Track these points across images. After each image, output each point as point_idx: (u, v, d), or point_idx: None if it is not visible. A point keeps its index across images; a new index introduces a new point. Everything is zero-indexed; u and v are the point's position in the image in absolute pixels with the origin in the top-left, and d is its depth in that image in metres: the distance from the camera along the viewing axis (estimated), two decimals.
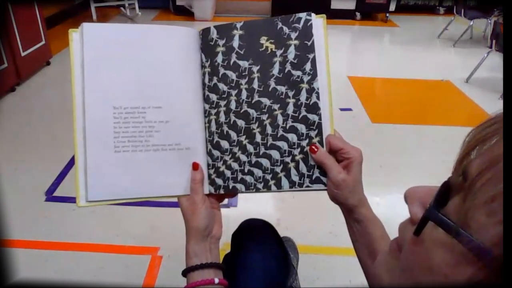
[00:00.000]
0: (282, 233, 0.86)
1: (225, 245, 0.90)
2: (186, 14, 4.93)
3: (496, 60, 3.24)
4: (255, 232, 0.81)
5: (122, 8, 4.90)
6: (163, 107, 0.61)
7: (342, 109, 2.58)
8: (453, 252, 0.27)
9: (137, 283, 1.33)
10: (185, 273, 0.60)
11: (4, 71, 2.58)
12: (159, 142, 0.60)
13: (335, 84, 3.43)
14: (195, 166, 0.61)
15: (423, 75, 3.26)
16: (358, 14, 5.10)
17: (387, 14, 5.07)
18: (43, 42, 3.05)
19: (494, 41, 2.94)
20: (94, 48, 0.58)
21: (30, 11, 2.90)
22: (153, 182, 0.61)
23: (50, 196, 1.73)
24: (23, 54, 2.77)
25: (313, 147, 0.59)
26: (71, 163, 1.95)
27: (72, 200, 1.69)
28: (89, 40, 0.58)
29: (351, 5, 5.04)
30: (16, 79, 2.74)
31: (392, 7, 5.05)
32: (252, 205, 1.63)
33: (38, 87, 2.87)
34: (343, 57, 4.00)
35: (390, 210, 1.76)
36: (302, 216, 1.62)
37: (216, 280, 0.58)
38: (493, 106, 2.69)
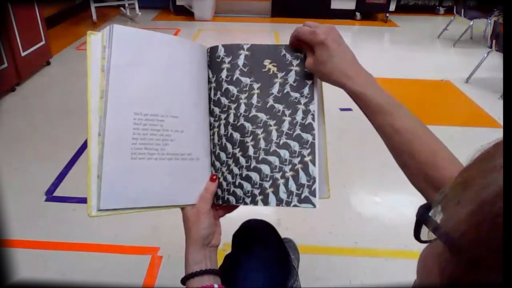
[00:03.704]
0: (282, 233, 0.86)
1: (225, 245, 0.90)
2: (186, 14, 4.93)
3: (496, 60, 3.24)
4: (256, 233, 0.81)
5: (122, 8, 4.91)
6: (179, 117, 0.61)
7: (342, 109, 2.58)
8: (437, 247, 0.27)
9: (137, 283, 1.33)
10: (184, 280, 0.60)
11: (4, 71, 2.58)
12: (174, 151, 0.60)
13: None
14: (213, 178, 0.63)
15: (423, 75, 3.26)
16: (358, 14, 5.10)
17: (387, 14, 5.07)
18: (43, 42, 3.05)
19: (494, 41, 2.94)
20: (123, 51, 0.57)
21: (30, 11, 2.90)
22: (165, 191, 0.60)
23: (50, 196, 1.73)
24: (23, 54, 2.77)
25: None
26: (71, 163, 1.95)
27: (72, 200, 1.69)
28: (118, 43, 0.57)
29: (351, 5, 5.04)
30: (16, 79, 2.74)
31: (392, 7, 5.05)
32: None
33: (38, 87, 2.87)
34: None
35: (390, 209, 1.77)
36: (302, 216, 1.62)
37: (216, 286, 0.59)
38: (493, 106, 2.69)
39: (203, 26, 4.65)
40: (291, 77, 0.63)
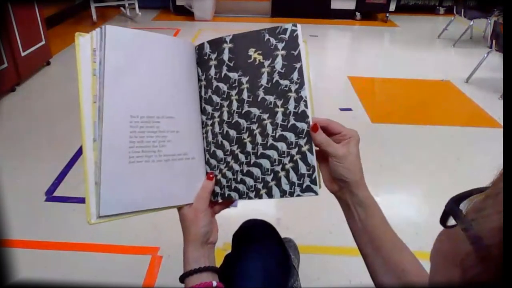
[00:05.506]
0: (282, 233, 0.86)
1: (225, 245, 0.90)
2: (186, 14, 4.93)
3: (496, 60, 3.24)
4: (256, 233, 0.81)
5: (122, 8, 4.91)
6: (175, 117, 0.61)
7: (342, 109, 2.58)
8: (464, 243, 0.27)
9: (137, 283, 1.33)
10: (183, 278, 0.61)
11: (4, 71, 2.58)
12: (171, 152, 0.60)
13: (335, 84, 3.41)
14: (210, 177, 0.64)
15: (423, 75, 3.26)
16: (358, 14, 5.09)
17: (387, 14, 5.06)
18: (43, 42, 3.05)
19: (494, 41, 2.94)
20: (117, 54, 0.55)
21: (30, 11, 2.90)
22: (163, 193, 0.60)
23: (50, 196, 1.73)
24: (23, 54, 2.77)
25: (314, 127, 0.59)
26: (71, 163, 1.95)
27: (72, 200, 1.69)
28: (112, 46, 0.55)
29: (351, 5, 5.04)
30: (16, 79, 2.74)
31: (392, 7, 5.05)
32: (252, 205, 1.63)
33: (38, 87, 2.87)
34: (343, 57, 4.00)
35: (390, 210, 1.76)
36: (302, 216, 1.62)
37: (214, 283, 0.59)
38: (493, 106, 2.70)
39: (203, 26, 4.65)
40: (278, 64, 0.60)
